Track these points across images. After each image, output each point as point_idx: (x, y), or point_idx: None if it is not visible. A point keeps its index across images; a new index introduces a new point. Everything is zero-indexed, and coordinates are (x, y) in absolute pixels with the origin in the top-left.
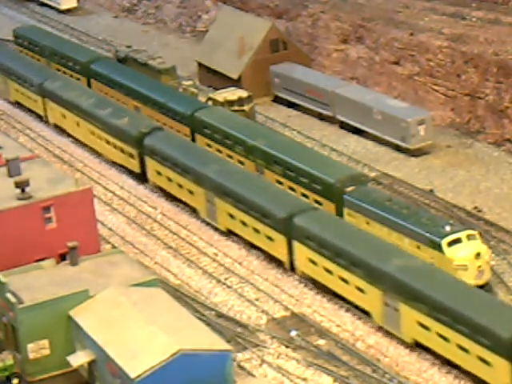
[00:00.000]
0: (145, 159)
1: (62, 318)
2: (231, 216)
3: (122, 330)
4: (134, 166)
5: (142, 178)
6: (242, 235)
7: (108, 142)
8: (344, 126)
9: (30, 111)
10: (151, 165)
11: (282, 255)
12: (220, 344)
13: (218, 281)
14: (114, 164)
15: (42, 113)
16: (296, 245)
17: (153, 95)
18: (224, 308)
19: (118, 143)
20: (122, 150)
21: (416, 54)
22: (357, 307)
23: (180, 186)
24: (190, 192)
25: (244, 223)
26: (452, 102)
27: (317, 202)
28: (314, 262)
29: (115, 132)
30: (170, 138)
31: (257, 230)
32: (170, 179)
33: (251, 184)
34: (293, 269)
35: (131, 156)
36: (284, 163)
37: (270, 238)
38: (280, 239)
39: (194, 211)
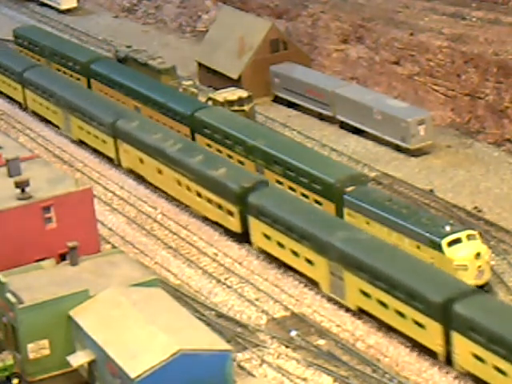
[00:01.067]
0: (248, 219)
1: (62, 318)
2: (364, 293)
3: (122, 330)
4: (234, 225)
5: (243, 238)
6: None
7: (199, 195)
8: (344, 126)
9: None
10: (257, 226)
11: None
12: (220, 344)
13: (218, 281)
14: (114, 164)
15: (113, 155)
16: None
17: (153, 95)
18: (224, 308)
19: (214, 198)
20: (219, 206)
21: (416, 54)
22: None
23: (296, 253)
24: (309, 262)
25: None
26: (452, 102)
27: (317, 201)
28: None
29: (210, 184)
30: (280, 196)
31: None
32: (281, 245)
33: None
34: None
35: (230, 214)
36: (284, 163)
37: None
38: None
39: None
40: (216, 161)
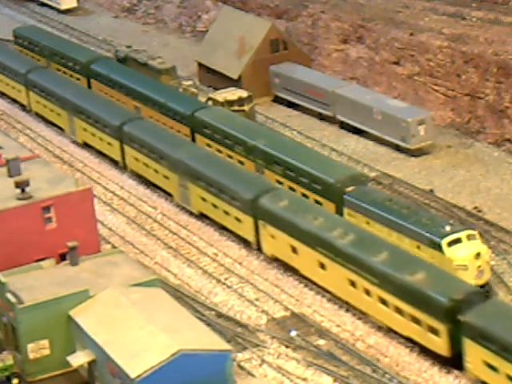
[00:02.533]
0: (462, 340)
1: (62, 318)
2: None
3: (122, 330)
4: (440, 347)
5: (451, 363)
6: None
7: (384, 303)
8: (344, 126)
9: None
10: (476, 353)
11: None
12: (220, 344)
13: (218, 281)
14: (114, 164)
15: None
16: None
17: (153, 95)
18: (224, 308)
19: (408, 309)
20: (416, 321)
21: (416, 54)
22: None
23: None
24: None
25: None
26: (452, 101)
27: (317, 201)
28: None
29: (402, 292)
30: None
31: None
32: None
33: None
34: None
35: (434, 332)
36: (284, 163)
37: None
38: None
39: None
40: (408, 260)
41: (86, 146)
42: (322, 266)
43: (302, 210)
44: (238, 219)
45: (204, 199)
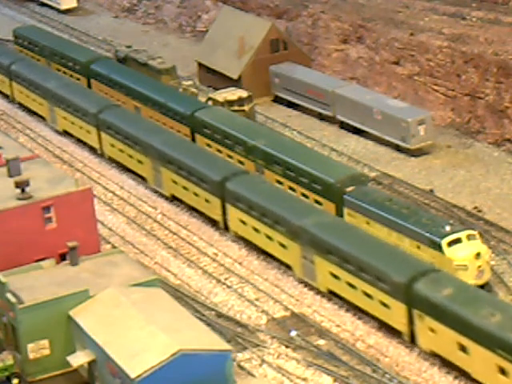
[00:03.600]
0: None
1: (62, 318)
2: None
3: (122, 330)
4: None
5: None
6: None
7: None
8: (344, 125)
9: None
10: None
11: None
12: (220, 344)
13: (218, 281)
14: (114, 164)
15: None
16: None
17: (153, 95)
18: (224, 308)
19: None
20: None
21: (416, 54)
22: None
23: None
24: None
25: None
26: (452, 102)
27: (317, 201)
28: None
29: None
30: None
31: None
32: None
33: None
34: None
35: None
36: (284, 163)
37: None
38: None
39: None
40: None
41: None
42: (503, 372)
43: (471, 301)
44: (207, 200)
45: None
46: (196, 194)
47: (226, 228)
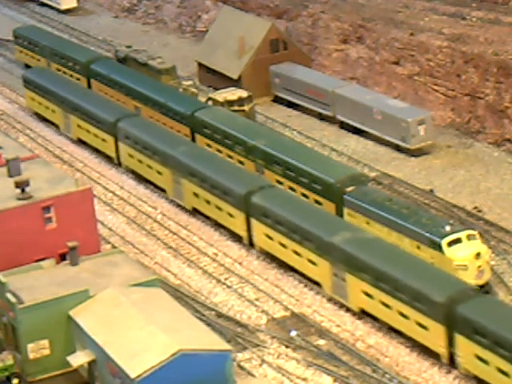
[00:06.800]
0: None
1: (62, 318)
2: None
3: (122, 330)
4: None
5: None
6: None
7: None
8: (344, 125)
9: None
10: None
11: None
12: (220, 344)
13: (218, 281)
14: (114, 164)
15: None
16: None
17: (153, 95)
18: (224, 308)
19: None
20: None
21: (416, 54)
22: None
23: None
24: None
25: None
26: (452, 101)
27: (317, 201)
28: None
29: None
30: None
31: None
32: None
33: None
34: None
35: None
36: (284, 163)
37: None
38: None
39: None
40: None
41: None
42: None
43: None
44: (230, 214)
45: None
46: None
47: (251, 244)
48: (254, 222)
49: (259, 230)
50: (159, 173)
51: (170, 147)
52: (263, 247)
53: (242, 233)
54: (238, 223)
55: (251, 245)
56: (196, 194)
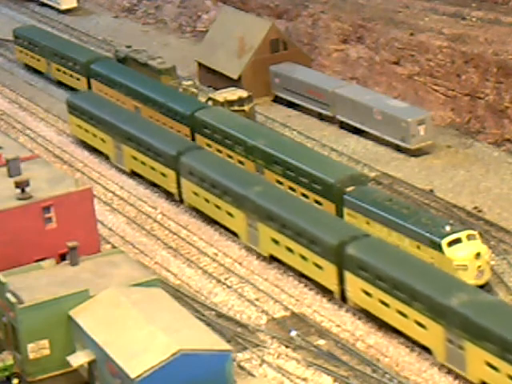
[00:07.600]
0: None
1: (62, 318)
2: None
3: (122, 330)
4: None
5: None
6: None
7: None
8: (344, 126)
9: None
10: None
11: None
12: (220, 344)
13: (218, 281)
14: (114, 164)
15: None
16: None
17: (153, 95)
18: (224, 308)
19: None
20: None
21: (416, 54)
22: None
23: None
24: None
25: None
26: (452, 101)
27: (317, 202)
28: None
29: None
30: None
31: (304, 257)
32: None
33: None
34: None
35: None
36: (284, 163)
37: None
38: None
39: None
40: None
41: None
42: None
43: None
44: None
45: None
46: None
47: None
48: (348, 275)
49: (354, 284)
50: (230, 215)
51: (242, 187)
52: (359, 304)
53: (336, 293)
54: (327, 276)
55: (343, 300)
56: (275, 241)
